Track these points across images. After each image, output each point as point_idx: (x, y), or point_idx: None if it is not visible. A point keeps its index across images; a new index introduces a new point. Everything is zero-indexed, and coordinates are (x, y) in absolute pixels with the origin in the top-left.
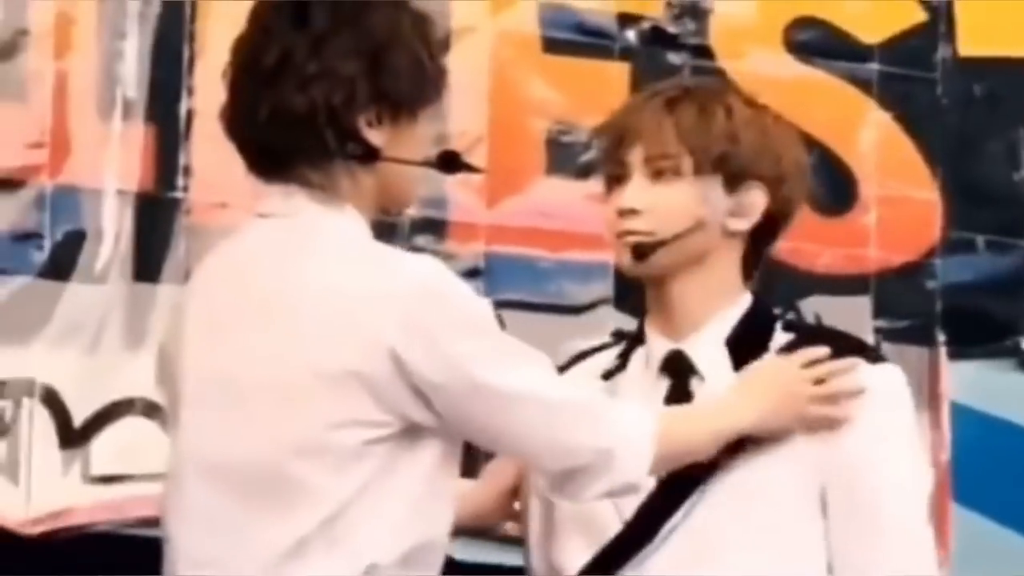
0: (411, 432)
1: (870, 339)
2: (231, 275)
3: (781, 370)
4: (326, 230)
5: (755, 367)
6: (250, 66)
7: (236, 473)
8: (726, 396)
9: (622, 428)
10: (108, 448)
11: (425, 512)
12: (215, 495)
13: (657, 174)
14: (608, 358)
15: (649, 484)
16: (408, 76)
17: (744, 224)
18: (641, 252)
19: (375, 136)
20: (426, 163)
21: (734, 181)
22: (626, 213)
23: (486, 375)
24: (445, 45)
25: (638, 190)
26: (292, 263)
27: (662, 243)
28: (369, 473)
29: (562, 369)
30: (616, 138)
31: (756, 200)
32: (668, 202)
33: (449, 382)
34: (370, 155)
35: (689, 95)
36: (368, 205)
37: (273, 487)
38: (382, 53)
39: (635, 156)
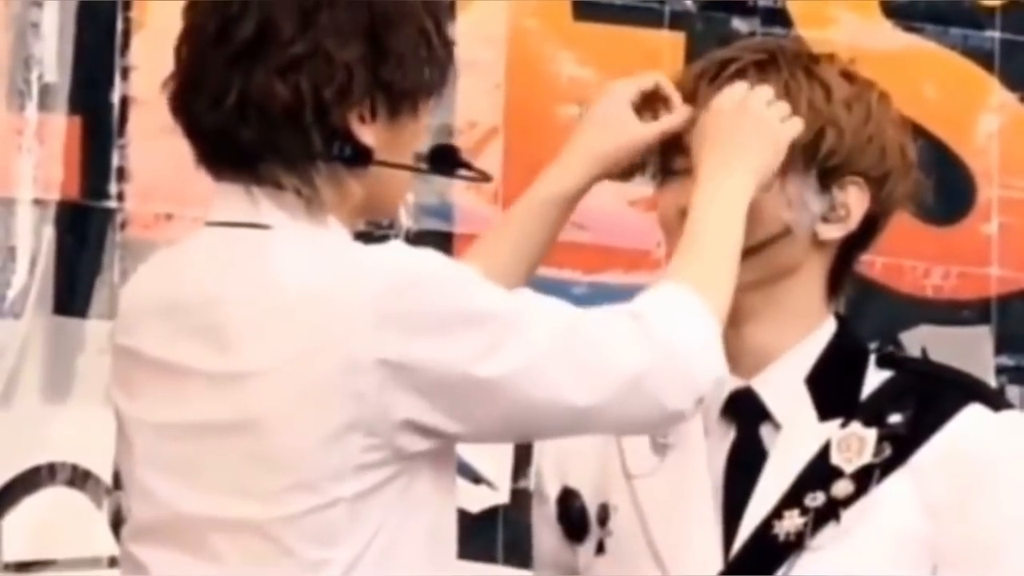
0: (404, 473)
1: (991, 379)
2: (170, 306)
3: (732, 104)
4: (286, 245)
5: (702, 122)
6: (217, 37)
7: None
8: (704, 170)
9: (658, 318)
10: (24, 528)
11: (429, 570)
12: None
13: None
14: None
15: (716, 567)
16: (413, 62)
17: (840, 232)
18: None
19: (367, 134)
20: (429, 169)
21: (830, 178)
22: None
23: (479, 371)
24: (451, 14)
25: None
26: (249, 288)
27: (743, 253)
28: (366, 536)
29: None
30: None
31: (855, 202)
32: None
33: (446, 382)
34: (361, 158)
35: (773, 64)
36: (351, 214)
37: (250, 557)
38: (385, 33)
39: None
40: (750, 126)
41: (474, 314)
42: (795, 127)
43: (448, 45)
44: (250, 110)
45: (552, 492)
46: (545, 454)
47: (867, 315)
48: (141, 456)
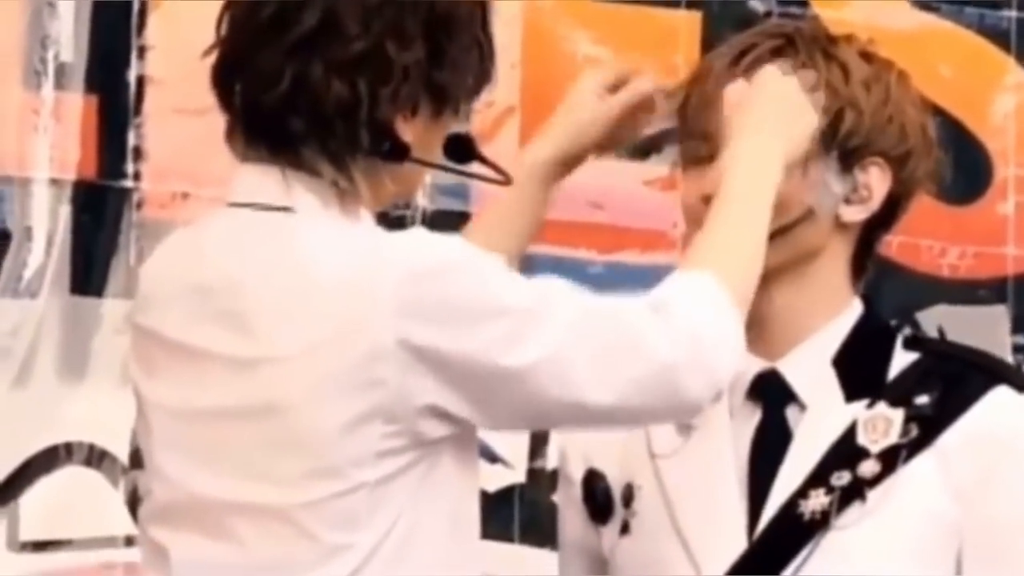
0: (425, 458)
1: (1008, 359)
2: (192, 287)
3: (761, 81)
4: (311, 230)
5: (735, 101)
6: (275, 20)
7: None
8: (734, 151)
9: (679, 309)
10: (41, 507)
11: (453, 555)
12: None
13: None
14: None
15: (741, 546)
16: (465, 67)
17: (862, 213)
18: None
19: (407, 132)
20: (459, 171)
21: (851, 159)
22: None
23: (501, 360)
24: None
25: None
26: (273, 273)
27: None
28: (388, 521)
29: None
30: (698, 104)
31: (876, 183)
32: None
33: (468, 372)
34: (399, 154)
35: (792, 47)
36: (380, 205)
37: (272, 541)
38: (444, 37)
39: (724, 128)
40: (783, 106)
41: (497, 304)
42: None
43: (492, 43)
44: (302, 100)
45: (577, 474)
46: (569, 436)
47: (884, 295)
48: (160, 438)
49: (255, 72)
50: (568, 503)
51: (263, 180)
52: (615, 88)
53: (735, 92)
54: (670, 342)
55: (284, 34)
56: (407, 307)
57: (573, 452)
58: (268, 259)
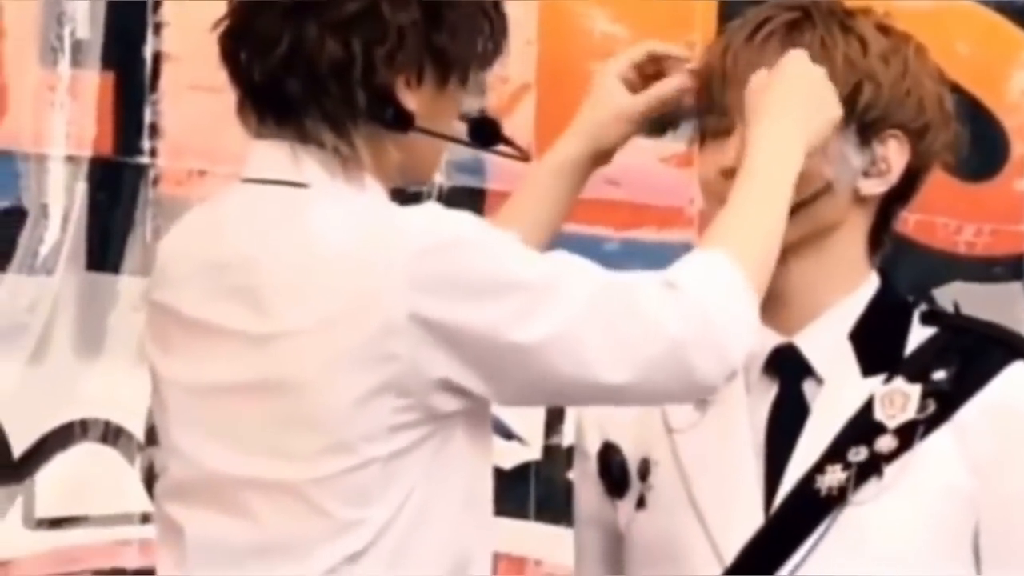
0: (438, 433)
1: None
2: (208, 263)
3: (794, 69)
4: (323, 205)
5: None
6: None
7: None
8: (757, 131)
9: (693, 288)
10: (56, 484)
11: (465, 530)
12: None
13: None
14: None
15: (758, 521)
16: (468, 33)
17: (881, 186)
18: None
19: (411, 100)
20: (468, 143)
21: (869, 132)
22: (733, 175)
23: (512, 336)
24: None
25: None
26: (286, 248)
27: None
28: (400, 496)
29: None
30: (717, 78)
31: (895, 156)
32: None
33: (480, 346)
34: (402, 122)
35: (809, 20)
36: (388, 177)
37: (286, 516)
38: (443, 1)
39: (745, 108)
40: (809, 93)
41: (509, 279)
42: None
43: (504, 17)
44: (298, 63)
45: (593, 448)
46: (585, 410)
47: (900, 272)
48: (175, 414)
49: (255, 38)
50: (584, 477)
51: (274, 155)
52: (643, 73)
53: (759, 79)
54: (682, 320)
55: None
56: (419, 281)
57: (589, 426)
58: (280, 235)
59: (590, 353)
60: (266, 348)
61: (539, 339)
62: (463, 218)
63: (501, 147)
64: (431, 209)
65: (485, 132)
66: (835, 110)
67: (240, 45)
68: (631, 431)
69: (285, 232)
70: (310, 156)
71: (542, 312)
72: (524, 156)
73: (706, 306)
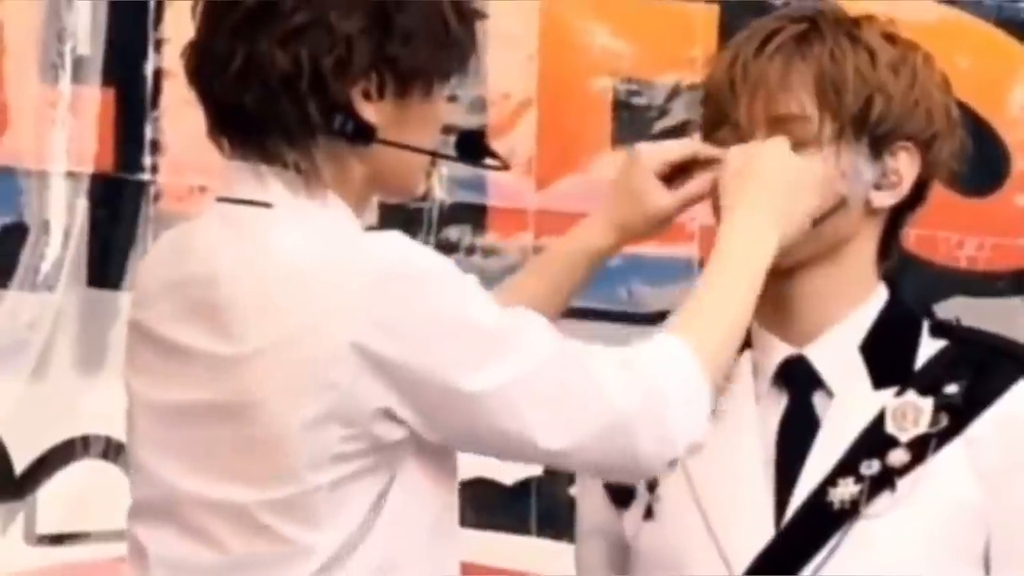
0: (389, 462)
1: None
2: (176, 283)
3: (766, 154)
4: (284, 226)
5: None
6: (226, 3)
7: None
8: (730, 218)
9: (648, 368)
10: (58, 500)
11: (433, 563)
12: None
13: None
14: None
15: (768, 533)
16: (425, 40)
17: (892, 198)
18: None
19: (371, 112)
20: (434, 152)
21: (880, 145)
22: None
23: (458, 381)
24: None
25: None
26: (244, 269)
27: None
28: (351, 522)
29: None
30: (726, 91)
31: (906, 168)
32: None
33: (420, 386)
34: (362, 135)
35: (817, 32)
36: (357, 194)
37: (244, 539)
38: (393, 8)
39: (755, 116)
40: (787, 186)
41: (467, 323)
42: (814, 167)
43: (470, 27)
44: (252, 78)
45: None
46: None
47: (902, 287)
48: (142, 434)
49: (212, 57)
50: (588, 488)
51: (240, 174)
52: (673, 173)
53: (736, 159)
54: (631, 398)
55: (232, 14)
56: (371, 310)
57: None
58: (241, 255)
59: (533, 413)
60: (224, 369)
61: (484, 389)
62: (425, 253)
63: (486, 160)
64: (398, 239)
65: (471, 145)
66: (812, 202)
67: (200, 64)
68: None
69: (246, 252)
70: (273, 174)
71: (493, 363)
72: (504, 166)
73: (658, 390)
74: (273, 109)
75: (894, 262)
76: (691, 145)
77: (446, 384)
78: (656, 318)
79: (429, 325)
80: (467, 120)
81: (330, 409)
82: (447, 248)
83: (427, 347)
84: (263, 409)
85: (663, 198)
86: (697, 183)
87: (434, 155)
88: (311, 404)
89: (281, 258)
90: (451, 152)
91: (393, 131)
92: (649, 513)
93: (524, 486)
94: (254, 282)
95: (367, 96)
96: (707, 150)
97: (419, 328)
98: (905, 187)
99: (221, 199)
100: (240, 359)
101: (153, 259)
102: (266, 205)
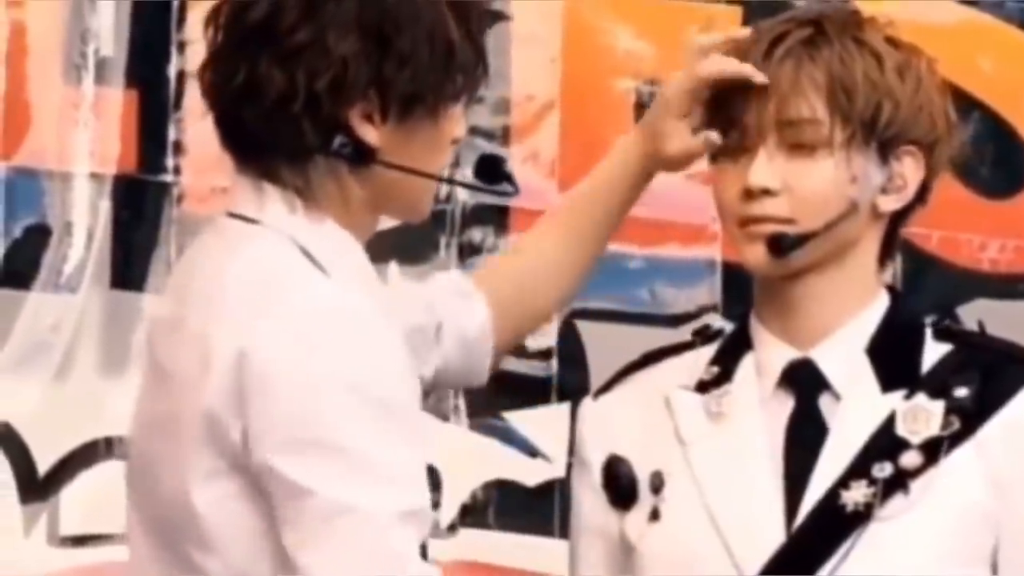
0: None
1: None
2: (173, 295)
3: None
4: (255, 246)
5: None
6: (233, 19)
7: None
8: None
9: None
10: (81, 501)
11: None
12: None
13: (796, 145)
14: (693, 365)
15: (778, 535)
16: (425, 62)
17: (898, 202)
18: (782, 245)
19: (373, 134)
20: (436, 176)
21: (887, 149)
22: (758, 194)
23: (306, 485)
24: (490, 16)
25: (771, 164)
26: (204, 287)
27: (812, 235)
28: (238, 548)
29: (623, 378)
30: (732, 94)
31: (911, 172)
32: (814, 182)
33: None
34: (361, 157)
35: (824, 36)
36: (360, 215)
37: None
38: (392, 30)
39: (766, 119)
40: None
41: (334, 444)
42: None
43: (479, 50)
44: (251, 96)
45: (595, 458)
46: (585, 420)
47: (923, 289)
48: (130, 450)
49: (217, 72)
50: (585, 488)
51: (244, 190)
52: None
53: None
54: None
55: (238, 30)
56: (253, 349)
57: (589, 436)
58: (208, 273)
59: (322, 559)
60: (169, 384)
61: (318, 515)
62: (358, 325)
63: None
64: (361, 305)
65: (491, 169)
66: None
67: (209, 78)
68: (637, 441)
69: (212, 270)
70: (273, 192)
71: (352, 487)
72: (514, 192)
73: None
74: (270, 128)
75: (909, 271)
76: (714, 64)
77: (289, 483)
78: (679, 320)
79: (312, 428)
80: (490, 122)
81: (203, 436)
82: (470, 249)
83: (294, 447)
84: (177, 428)
85: (674, 144)
86: (698, 140)
87: (435, 179)
88: (190, 430)
89: (225, 281)
90: (467, 172)
91: (397, 153)
92: (655, 515)
93: (547, 488)
94: (203, 304)
95: (368, 118)
96: (731, 67)
97: (286, 423)
98: (910, 191)
99: (229, 214)
100: (177, 376)
101: (175, 269)
102: (254, 221)
